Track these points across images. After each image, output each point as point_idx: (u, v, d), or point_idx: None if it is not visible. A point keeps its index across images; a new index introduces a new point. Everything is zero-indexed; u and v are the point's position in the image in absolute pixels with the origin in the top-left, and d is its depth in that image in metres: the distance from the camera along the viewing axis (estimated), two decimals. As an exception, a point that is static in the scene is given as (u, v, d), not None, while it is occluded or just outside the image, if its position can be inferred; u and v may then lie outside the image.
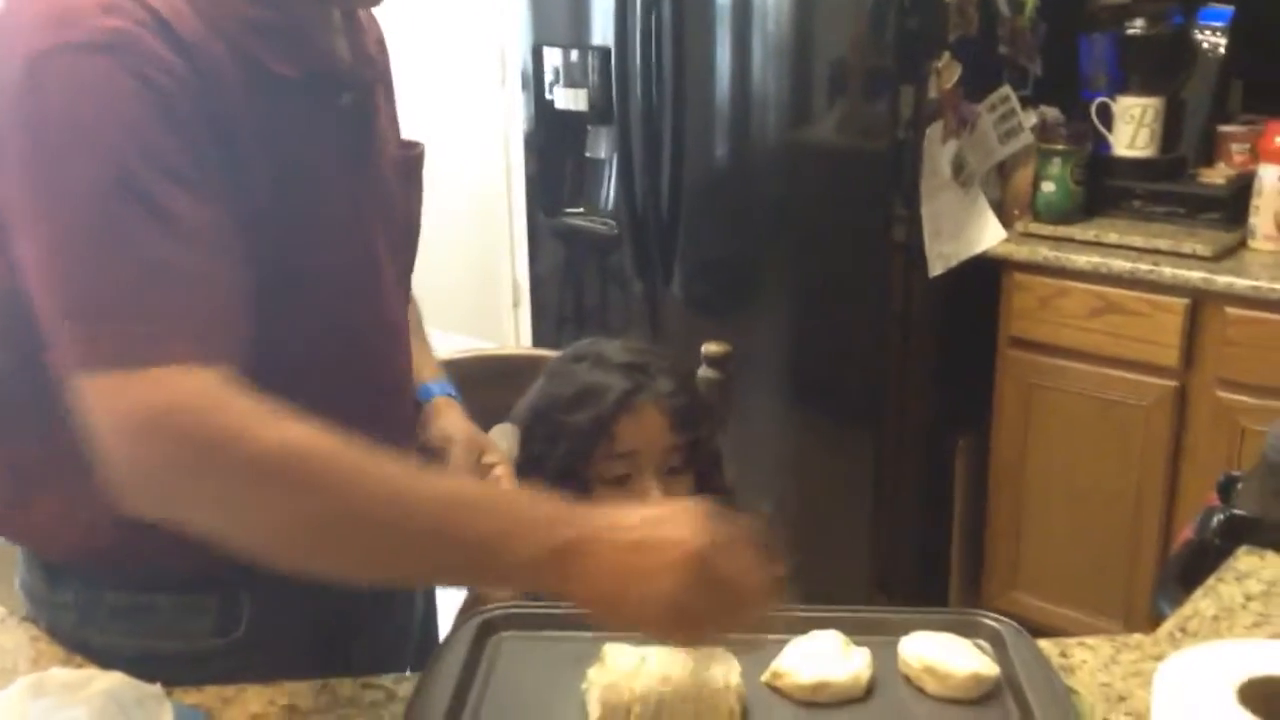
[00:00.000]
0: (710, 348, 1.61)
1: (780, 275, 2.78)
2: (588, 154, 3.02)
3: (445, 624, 1.29)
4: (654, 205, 2.87)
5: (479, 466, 1.32)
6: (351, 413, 0.92)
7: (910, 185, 2.55)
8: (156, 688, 0.87)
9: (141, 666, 1.00)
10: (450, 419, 1.36)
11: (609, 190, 3.00)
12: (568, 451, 1.36)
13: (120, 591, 1.11)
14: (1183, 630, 1.13)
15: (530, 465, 1.39)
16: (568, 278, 3.13)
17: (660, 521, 0.90)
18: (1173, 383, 2.48)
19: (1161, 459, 2.53)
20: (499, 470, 1.33)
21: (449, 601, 1.41)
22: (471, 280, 4.06)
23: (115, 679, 0.89)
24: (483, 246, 3.99)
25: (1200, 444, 2.48)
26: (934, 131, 2.50)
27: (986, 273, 2.67)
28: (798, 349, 2.82)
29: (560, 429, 1.38)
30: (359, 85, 1.14)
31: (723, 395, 1.60)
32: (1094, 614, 2.67)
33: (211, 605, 1.12)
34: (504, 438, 1.45)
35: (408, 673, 1.13)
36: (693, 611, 0.88)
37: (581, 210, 3.06)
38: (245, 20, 1.00)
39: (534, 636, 1.12)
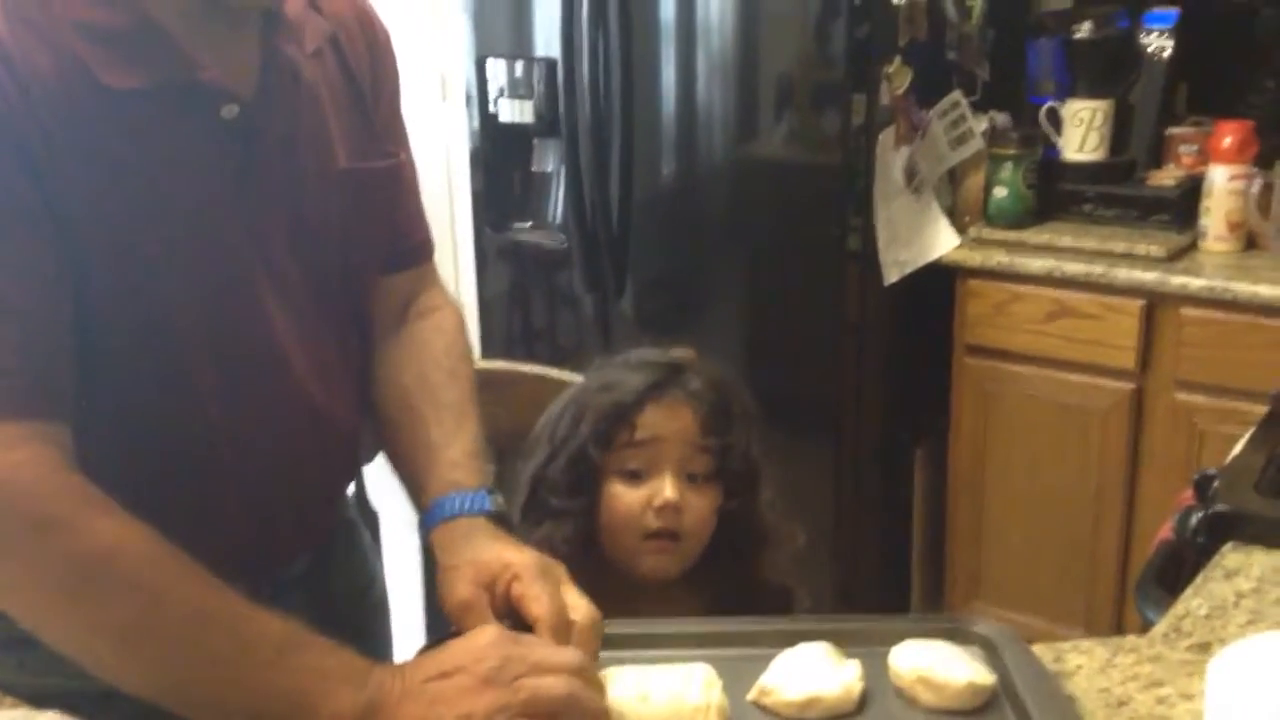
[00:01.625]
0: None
1: (734, 288, 2.74)
2: (534, 168, 2.96)
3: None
4: (604, 218, 2.81)
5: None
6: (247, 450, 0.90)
7: (863, 193, 2.53)
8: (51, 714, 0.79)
9: (65, 704, 0.92)
10: (466, 555, 1.03)
11: (557, 204, 2.95)
12: (589, 430, 1.30)
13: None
14: (1177, 630, 1.09)
15: (551, 455, 1.34)
16: (515, 295, 3.07)
17: (456, 651, 0.90)
18: (1129, 385, 2.47)
19: (1120, 462, 2.51)
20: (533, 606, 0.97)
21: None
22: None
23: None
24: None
25: (1158, 447, 2.47)
26: (886, 138, 2.48)
27: (940, 280, 2.65)
28: (752, 362, 2.78)
29: (583, 411, 1.33)
30: (250, 98, 1.00)
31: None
32: (1055, 621, 2.64)
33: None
34: None
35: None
36: None
37: (530, 224, 3.00)
38: (82, 25, 0.91)
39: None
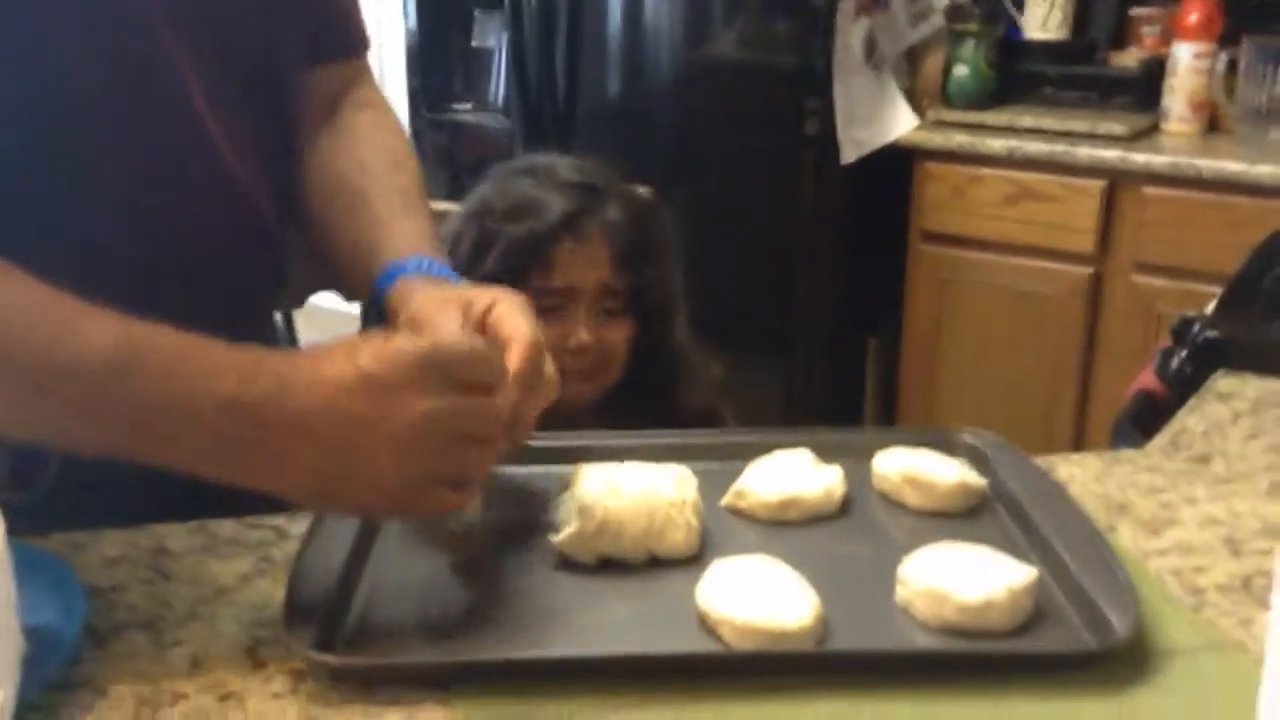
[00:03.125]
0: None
1: (684, 171, 2.63)
2: (475, 43, 2.82)
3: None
4: (549, 98, 2.69)
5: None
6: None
7: (822, 74, 2.43)
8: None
9: None
10: (430, 295, 0.90)
11: (499, 83, 2.81)
12: (499, 265, 1.19)
13: None
14: (1174, 445, 1.02)
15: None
16: (453, 181, 2.93)
17: (371, 386, 0.70)
18: (1088, 269, 2.41)
19: (1075, 349, 2.47)
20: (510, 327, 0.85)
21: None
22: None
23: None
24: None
25: (1115, 333, 2.42)
26: (846, 6, 2.38)
27: (897, 166, 2.57)
28: (703, 250, 2.68)
29: (492, 237, 1.21)
30: None
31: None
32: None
33: None
34: None
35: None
36: (426, 490, 0.73)
37: (469, 106, 2.86)
38: None
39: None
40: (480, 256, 1.20)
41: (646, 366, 1.28)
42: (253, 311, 1.10)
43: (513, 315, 0.85)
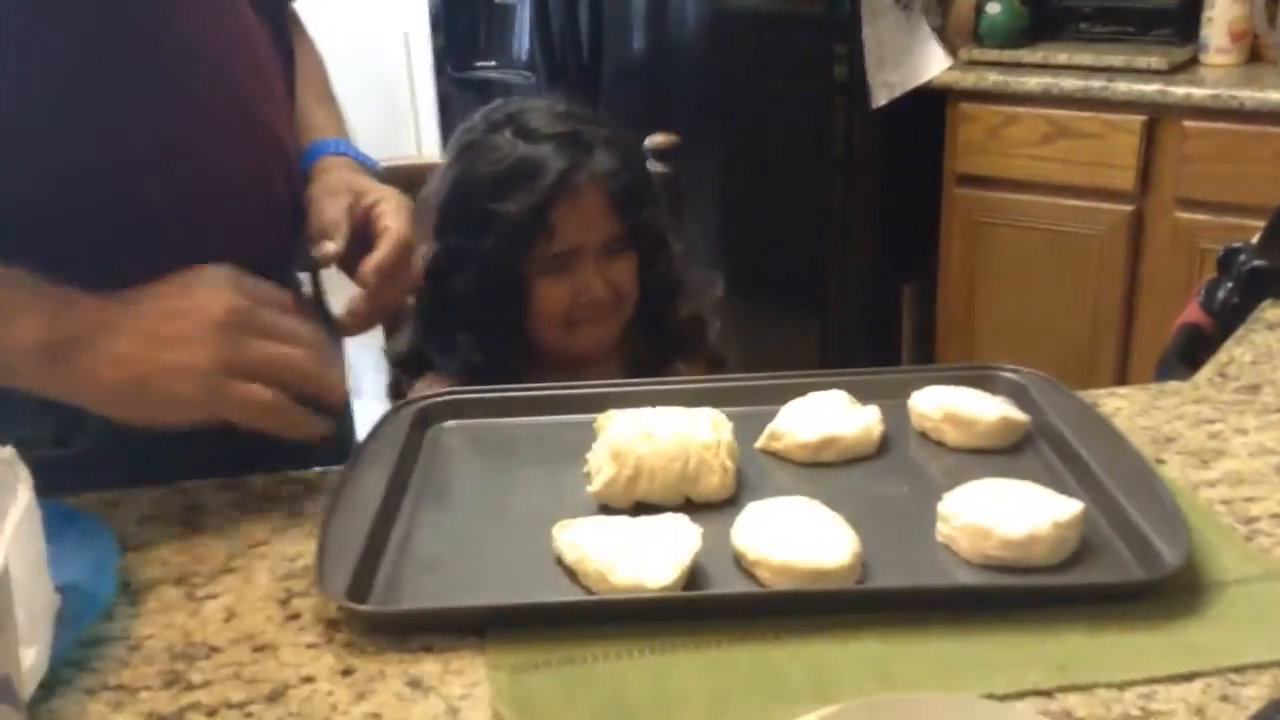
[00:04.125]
0: (656, 139, 1.43)
1: (713, 123, 2.60)
2: (498, 0, 2.79)
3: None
4: (573, 52, 2.66)
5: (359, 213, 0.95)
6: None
7: (850, 16, 2.38)
8: (8, 450, 0.68)
9: None
10: (334, 177, 1.00)
11: (523, 38, 2.78)
12: (500, 245, 1.17)
13: None
14: (1222, 375, 0.99)
15: (449, 259, 1.20)
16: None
17: (184, 287, 0.81)
18: (1128, 207, 2.36)
19: (1118, 290, 2.42)
20: (387, 221, 0.94)
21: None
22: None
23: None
24: (380, 108, 3.68)
25: (1158, 271, 2.37)
26: (874, -54, 2.33)
27: (930, 109, 2.52)
28: (734, 203, 2.65)
29: (487, 217, 1.18)
30: None
31: (672, 190, 1.42)
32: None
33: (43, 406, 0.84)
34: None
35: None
36: (237, 382, 0.79)
37: (494, 64, 2.83)
38: None
39: (480, 424, 0.95)
40: (478, 237, 1.18)
41: (652, 294, 1.27)
42: (278, 249, 1.08)
43: (391, 214, 0.93)
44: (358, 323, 0.91)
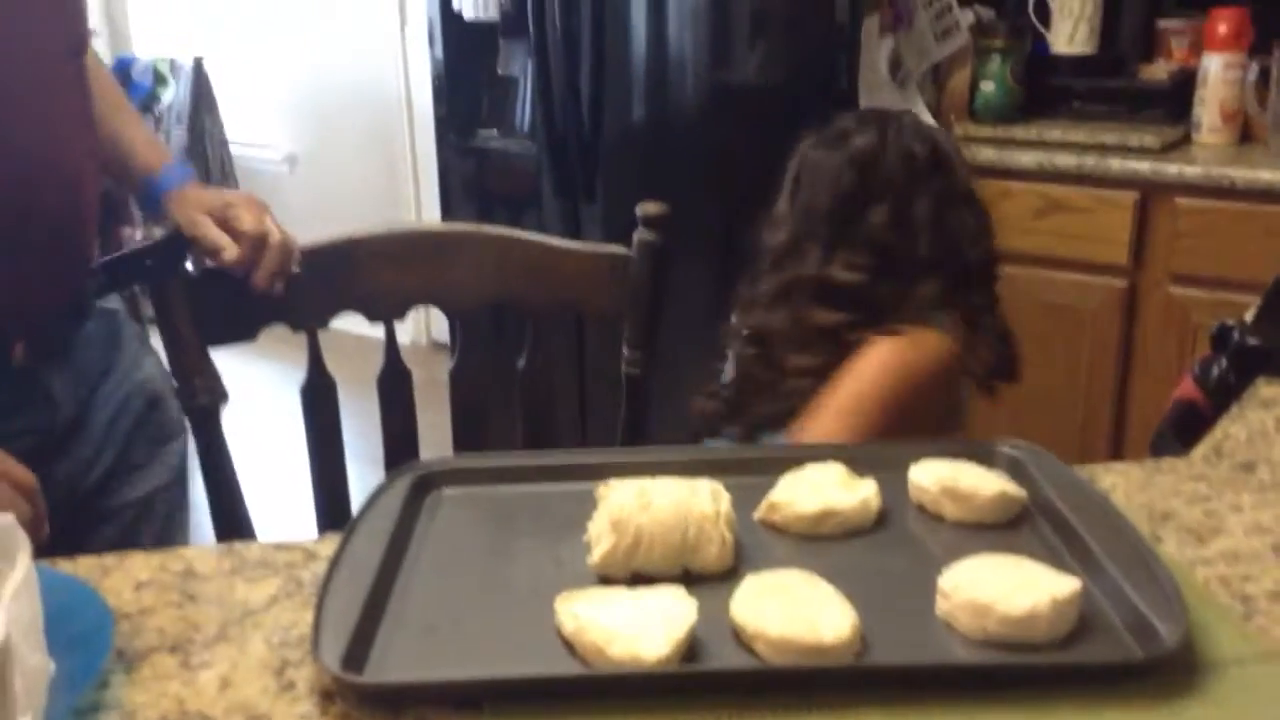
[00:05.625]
0: (647, 208, 1.45)
1: (710, 193, 2.63)
2: (500, 71, 2.83)
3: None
4: (575, 123, 2.69)
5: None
6: None
7: (847, 91, 2.42)
8: (7, 517, 0.68)
9: None
10: (195, 197, 1.27)
11: (524, 109, 2.82)
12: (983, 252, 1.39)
13: None
14: (1217, 453, 1.00)
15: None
16: (482, 206, 2.94)
17: None
18: (1122, 282, 2.38)
19: (1111, 362, 2.43)
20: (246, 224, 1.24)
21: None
22: (369, 217, 3.84)
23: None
24: (381, 174, 3.72)
25: (1151, 344, 2.38)
26: (871, 24, 2.37)
27: (925, 181, 2.55)
28: (728, 274, 2.66)
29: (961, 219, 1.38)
30: None
31: (656, 259, 1.43)
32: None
33: None
34: None
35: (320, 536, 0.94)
36: None
37: (496, 133, 2.87)
38: None
39: (478, 492, 0.95)
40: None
41: None
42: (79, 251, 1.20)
43: (245, 214, 1.23)
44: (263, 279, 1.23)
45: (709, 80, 2.57)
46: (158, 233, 1.30)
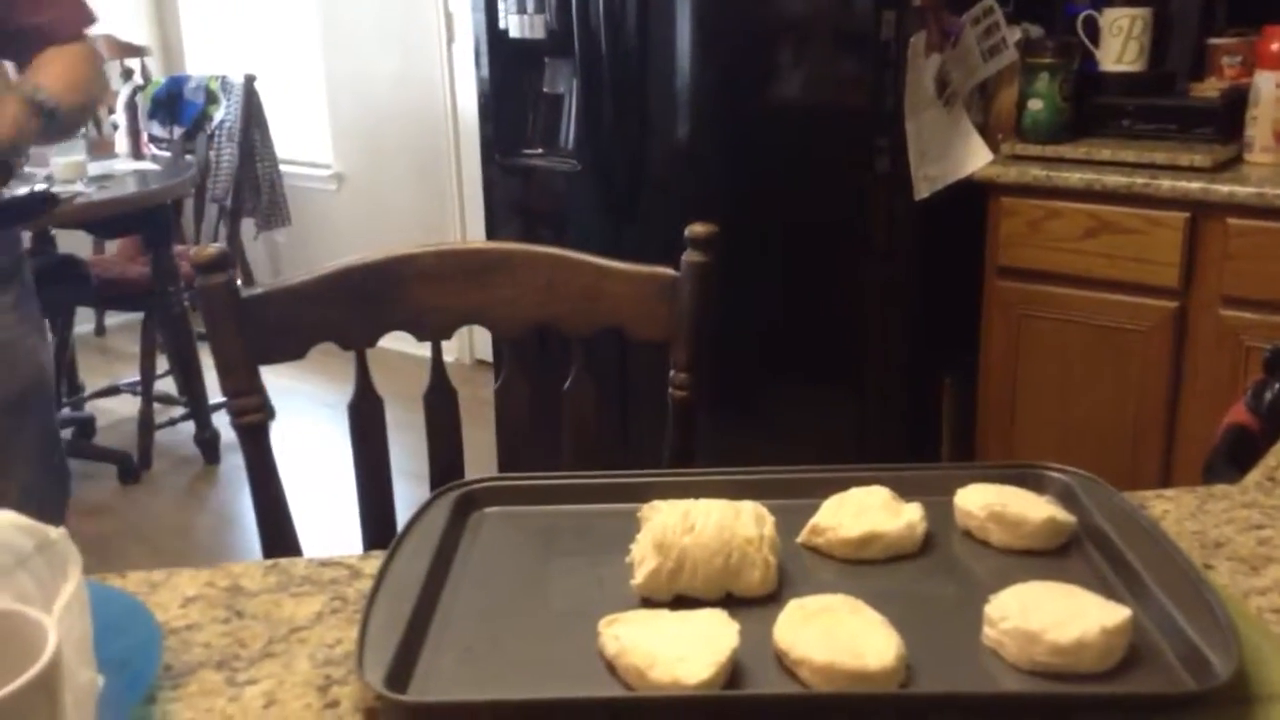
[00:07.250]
0: (696, 229, 1.44)
1: (755, 213, 2.63)
2: (546, 89, 2.85)
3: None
4: (620, 142, 2.70)
5: None
6: None
7: (892, 111, 2.42)
8: (60, 531, 0.69)
9: None
10: None
11: (570, 128, 2.83)
12: None
13: None
14: (1271, 479, 0.98)
15: None
16: (526, 224, 2.95)
17: None
18: (1172, 304, 2.35)
19: (1161, 386, 2.40)
20: None
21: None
22: (415, 236, 3.88)
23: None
24: (427, 193, 3.76)
25: (1202, 367, 2.35)
26: (917, 42, 2.36)
27: (971, 201, 2.53)
28: (774, 292, 2.67)
29: None
30: None
31: (704, 281, 1.42)
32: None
33: None
34: None
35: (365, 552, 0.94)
36: None
37: (540, 151, 2.88)
38: None
39: (521, 511, 0.95)
40: None
41: None
42: None
43: None
44: None
45: (753, 99, 2.57)
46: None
